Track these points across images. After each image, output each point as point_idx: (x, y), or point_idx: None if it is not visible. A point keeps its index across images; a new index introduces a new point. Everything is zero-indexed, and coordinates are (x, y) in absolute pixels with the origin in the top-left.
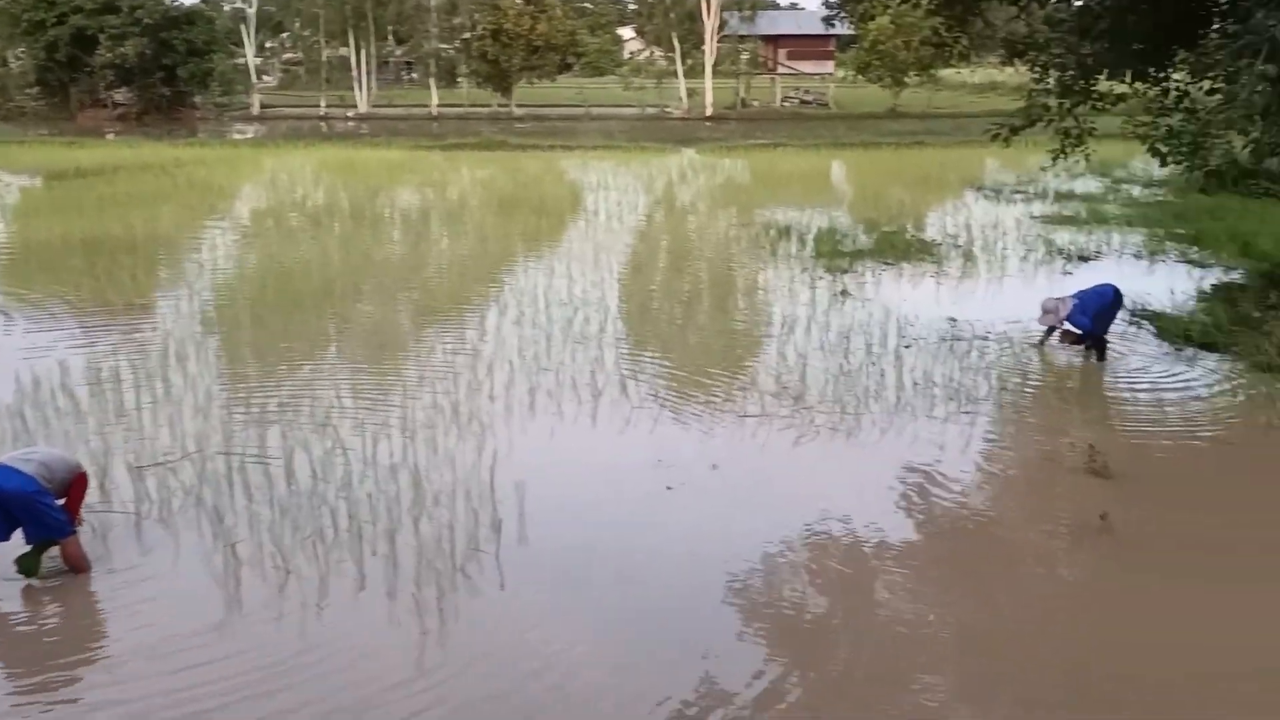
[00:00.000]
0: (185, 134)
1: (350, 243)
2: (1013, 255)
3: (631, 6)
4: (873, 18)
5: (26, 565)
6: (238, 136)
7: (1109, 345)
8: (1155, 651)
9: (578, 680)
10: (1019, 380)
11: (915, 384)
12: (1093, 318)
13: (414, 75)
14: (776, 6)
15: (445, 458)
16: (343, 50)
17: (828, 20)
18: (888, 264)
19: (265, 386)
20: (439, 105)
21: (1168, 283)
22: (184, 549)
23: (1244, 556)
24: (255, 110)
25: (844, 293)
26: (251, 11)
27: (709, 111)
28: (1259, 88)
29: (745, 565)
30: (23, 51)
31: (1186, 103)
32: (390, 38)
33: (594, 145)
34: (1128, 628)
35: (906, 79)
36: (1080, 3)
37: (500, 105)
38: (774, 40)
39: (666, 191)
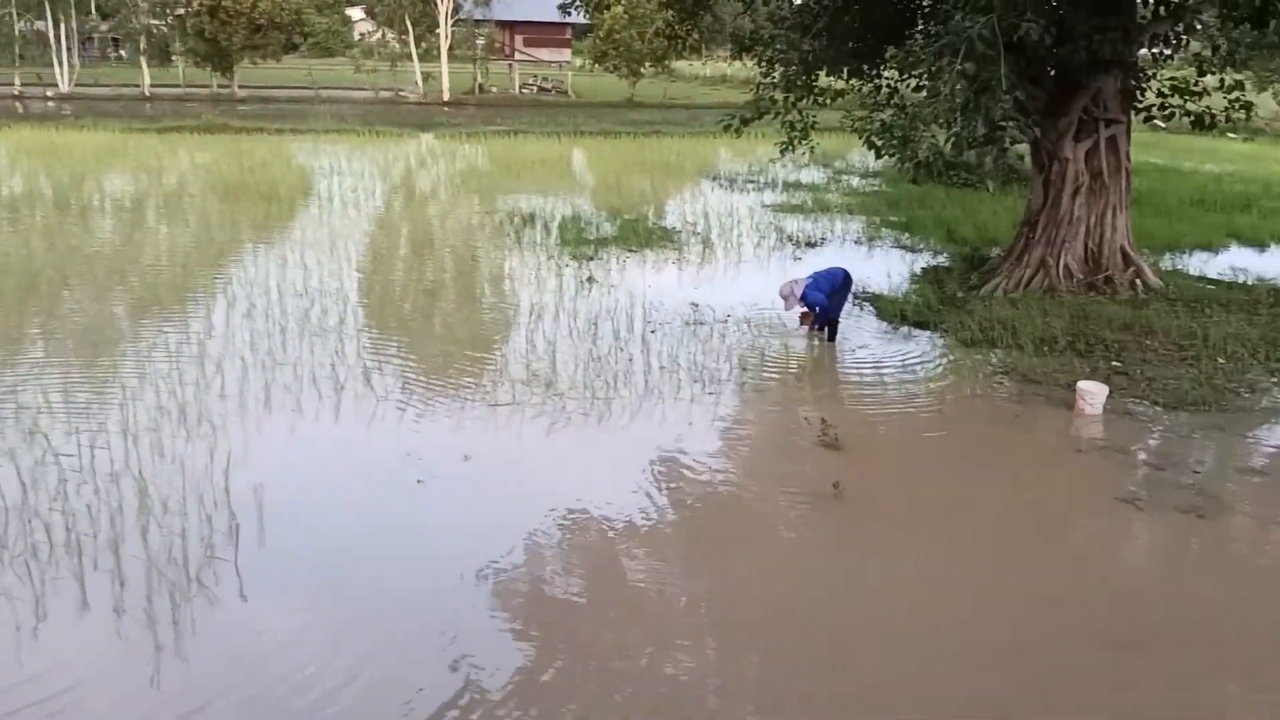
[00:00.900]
0: None
1: (55, 233)
2: (748, 242)
3: None
4: (607, 7)
5: None
6: None
7: (839, 325)
8: (886, 604)
9: (329, 684)
10: (757, 361)
11: (662, 367)
12: (827, 301)
13: (122, 53)
14: None
15: (173, 462)
16: (39, 24)
17: (564, 8)
18: (631, 251)
19: None
20: (152, 85)
21: (885, 266)
22: None
23: (957, 515)
24: None
25: (590, 280)
26: None
27: (446, 96)
28: (959, 85)
29: (499, 555)
30: None
31: (896, 99)
32: (94, 11)
33: (325, 129)
34: (860, 584)
35: (642, 69)
36: (800, 1)
37: (221, 86)
38: (511, 26)
39: (405, 178)
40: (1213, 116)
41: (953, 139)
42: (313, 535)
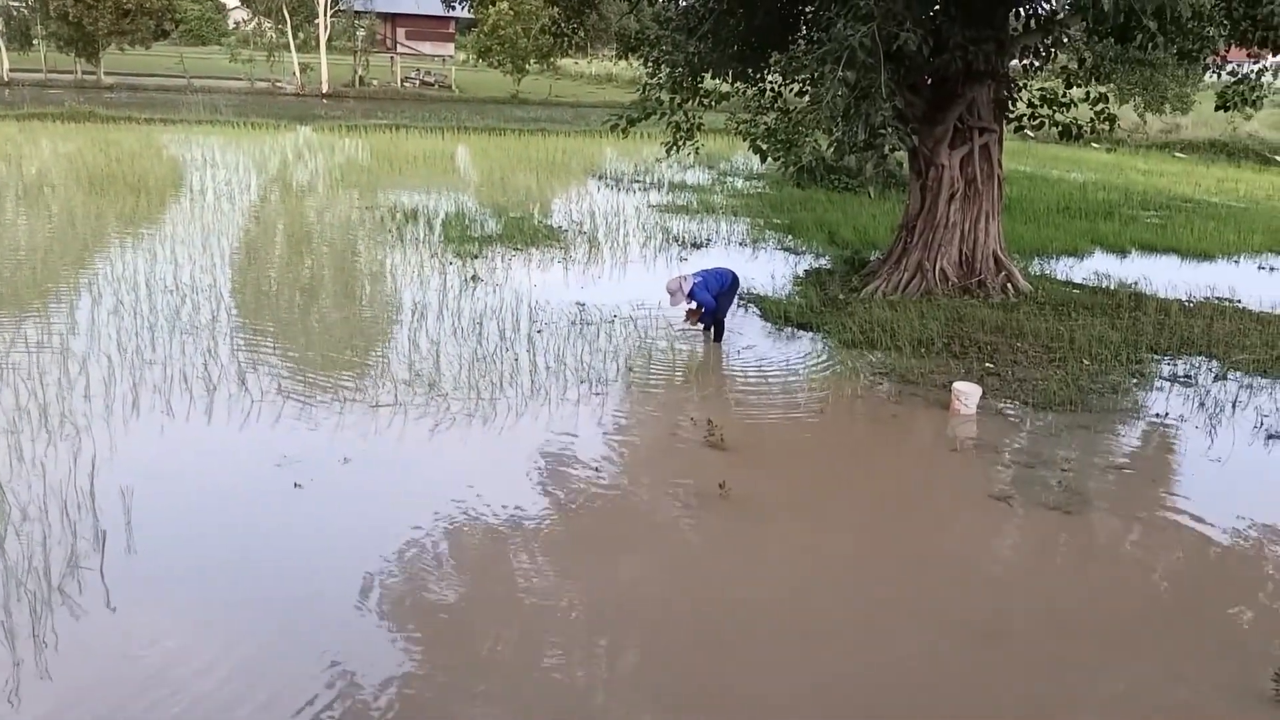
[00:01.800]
0: None
1: None
2: (634, 242)
3: None
4: (492, 2)
5: None
6: None
7: (725, 326)
8: (767, 602)
9: (202, 697)
10: (644, 361)
11: (548, 368)
12: (715, 296)
13: None
14: None
15: (34, 466)
16: None
17: (447, 2)
18: (517, 249)
19: None
20: (11, 70)
21: (769, 268)
22: None
23: (838, 513)
24: None
25: (475, 278)
26: None
27: (325, 89)
28: (839, 91)
29: (379, 560)
30: None
31: (780, 103)
32: None
33: (198, 120)
34: (743, 583)
35: (527, 66)
36: (685, 3)
37: (86, 73)
38: (392, 18)
39: (282, 171)
40: (1079, 127)
41: (834, 144)
42: (184, 542)
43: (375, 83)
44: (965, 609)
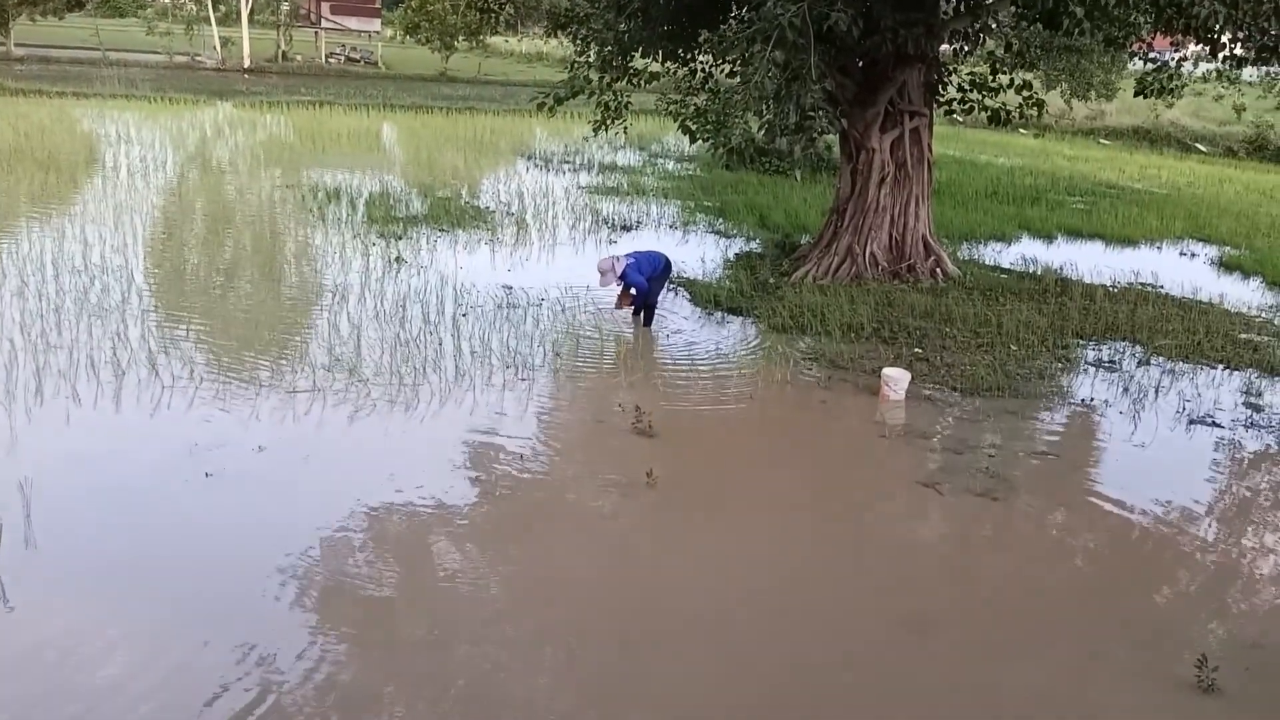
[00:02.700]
0: None
1: None
2: (563, 223)
3: None
4: None
5: None
6: None
7: (655, 311)
8: (693, 591)
9: (106, 694)
10: (572, 346)
11: (474, 352)
12: (647, 284)
13: None
14: None
15: None
16: None
17: None
18: (443, 230)
19: None
20: None
21: (699, 251)
22: None
23: (766, 501)
24: None
25: (398, 259)
26: None
27: (247, 63)
28: (770, 72)
29: (295, 552)
30: None
31: (711, 84)
32: None
33: (113, 94)
34: (669, 572)
35: (456, 43)
36: None
37: None
38: None
39: (200, 148)
40: (1008, 112)
41: (765, 126)
42: (88, 535)
43: (299, 58)
44: (893, 599)
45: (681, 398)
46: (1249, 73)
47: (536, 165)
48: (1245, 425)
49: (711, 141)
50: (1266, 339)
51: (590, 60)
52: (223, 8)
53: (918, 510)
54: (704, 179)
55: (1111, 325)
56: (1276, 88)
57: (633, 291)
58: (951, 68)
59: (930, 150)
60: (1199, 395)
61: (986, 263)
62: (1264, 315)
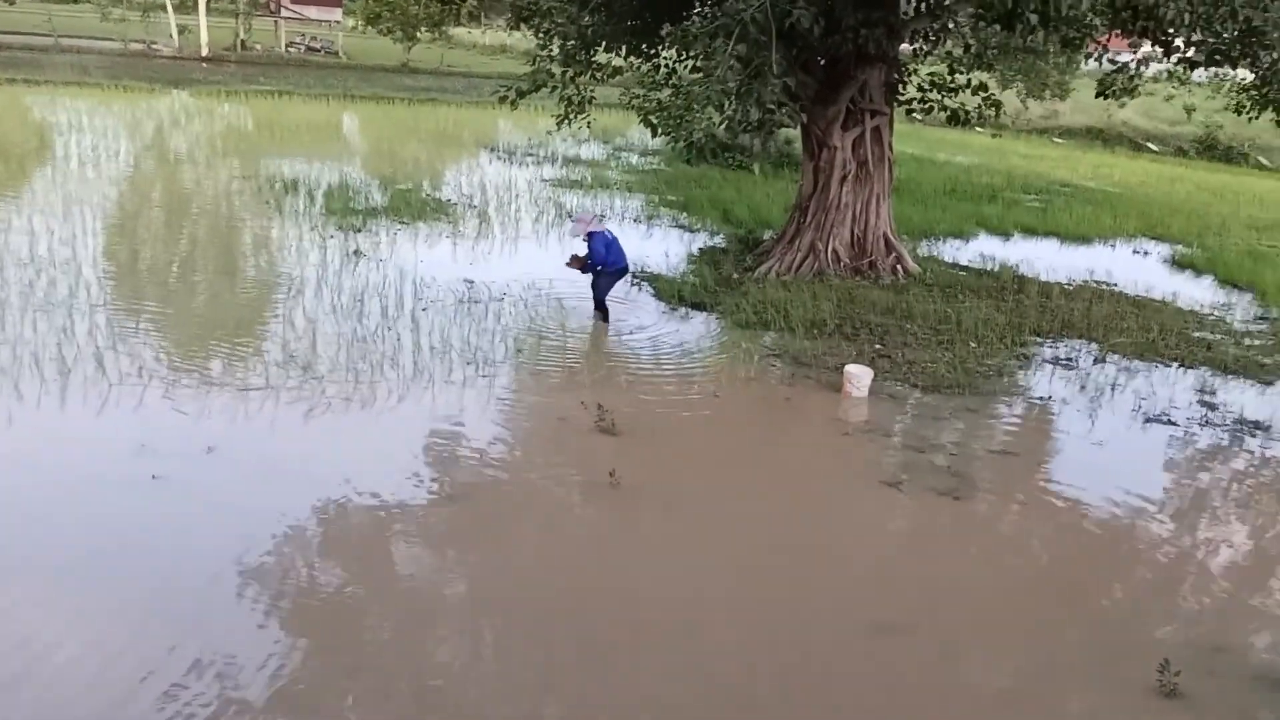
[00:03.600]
0: None
1: None
2: (526, 217)
3: None
4: None
5: None
6: None
7: (610, 310)
8: (655, 592)
9: (51, 695)
10: (534, 342)
11: (433, 348)
12: (604, 262)
13: None
14: None
15: None
16: None
17: None
18: (403, 223)
19: None
20: None
21: (663, 246)
22: None
23: (729, 500)
24: None
25: (357, 253)
26: None
27: (205, 52)
28: (731, 66)
29: (244, 556)
30: None
31: (674, 79)
32: None
33: (65, 81)
34: (631, 573)
35: (418, 34)
36: None
37: None
38: None
39: (156, 138)
40: (966, 112)
41: (727, 121)
42: (32, 538)
43: (259, 47)
44: (855, 600)
45: (645, 395)
46: (1198, 74)
47: (500, 158)
48: (1200, 423)
49: (673, 136)
50: (1219, 337)
51: (553, 54)
52: None
53: (880, 511)
54: (668, 173)
55: (1068, 323)
56: (1225, 88)
57: (586, 259)
58: (912, 68)
59: (891, 148)
60: (1154, 393)
61: (946, 260)
62: (1216, 313)
